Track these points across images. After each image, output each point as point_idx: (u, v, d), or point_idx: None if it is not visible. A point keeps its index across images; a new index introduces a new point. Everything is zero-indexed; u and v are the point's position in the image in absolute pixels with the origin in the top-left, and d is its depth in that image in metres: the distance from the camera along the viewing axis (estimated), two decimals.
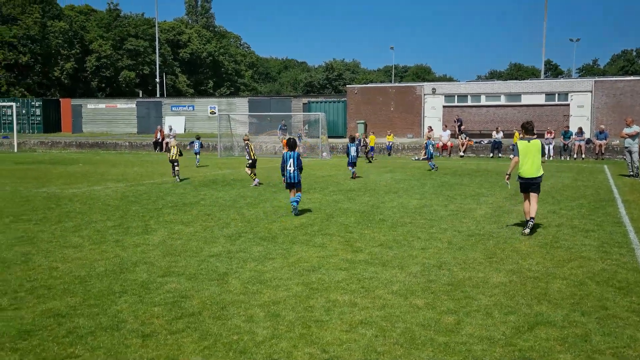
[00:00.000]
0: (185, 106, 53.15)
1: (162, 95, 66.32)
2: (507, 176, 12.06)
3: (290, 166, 13.22)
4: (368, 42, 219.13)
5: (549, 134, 33.38)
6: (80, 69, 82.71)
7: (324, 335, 5.97)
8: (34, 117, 55.47)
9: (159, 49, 67.40)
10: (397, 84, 49.71)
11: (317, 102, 46.95)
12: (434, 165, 25.34)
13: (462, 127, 39.05)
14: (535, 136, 11.62)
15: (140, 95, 71.61)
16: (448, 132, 36.40)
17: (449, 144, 35.62)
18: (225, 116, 39.18)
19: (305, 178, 21.04)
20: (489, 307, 6.85)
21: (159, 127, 43.47)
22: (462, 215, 13.23)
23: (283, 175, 13.41)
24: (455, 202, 15.31)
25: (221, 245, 10.10)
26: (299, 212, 13.30)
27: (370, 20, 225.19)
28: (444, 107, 42.86)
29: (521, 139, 11.55)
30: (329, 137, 38.76)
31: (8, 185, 19.01)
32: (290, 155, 13.32)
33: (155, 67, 69.00)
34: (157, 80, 64.80)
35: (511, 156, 12.10)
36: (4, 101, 56.41)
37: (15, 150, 40.71)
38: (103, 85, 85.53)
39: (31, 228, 11.61)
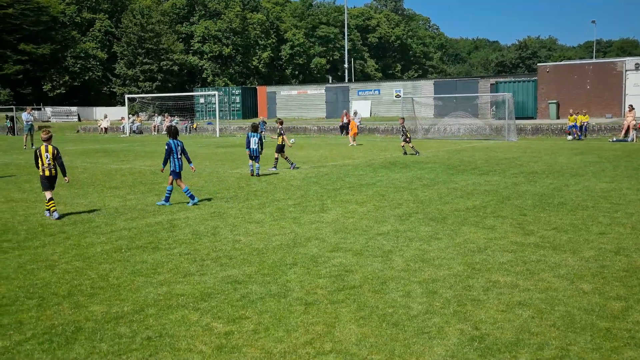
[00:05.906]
0: (371, 90, 54.09)
1: (350, 80, 68.05)
2: None
3: None
4: (566, 16, 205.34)
5: None
6: (275, 57, 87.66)
7: (478, 313, 6.00)
8: (234, 104, 60.01)
9: (348, 35, 69.14)
10: (593, 60, 46.30)
11: (505, 83, 45.17)
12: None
13: None
14: None
15: (330, 81, 74.11)
16: None
17: None
18: (409, 99, 39.26)
19: (485, 160, 20.61)
20: None
21: (345, 111, 44.80)
22: None
23: None
24: None
25: (390, 224, 10.37)
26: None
27: None
28: None
29: None
30: (518, 118, 37.28)
31: (208, 167, 20.93)
32: None
33: (344, 53, 70.94)
34: (346, 65, 66.60)
35: None
36: (208, 90, 61.66)
37: (217, 135, 44.33)
38: (297, 72, 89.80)
39: (222, 205, 12.78)
